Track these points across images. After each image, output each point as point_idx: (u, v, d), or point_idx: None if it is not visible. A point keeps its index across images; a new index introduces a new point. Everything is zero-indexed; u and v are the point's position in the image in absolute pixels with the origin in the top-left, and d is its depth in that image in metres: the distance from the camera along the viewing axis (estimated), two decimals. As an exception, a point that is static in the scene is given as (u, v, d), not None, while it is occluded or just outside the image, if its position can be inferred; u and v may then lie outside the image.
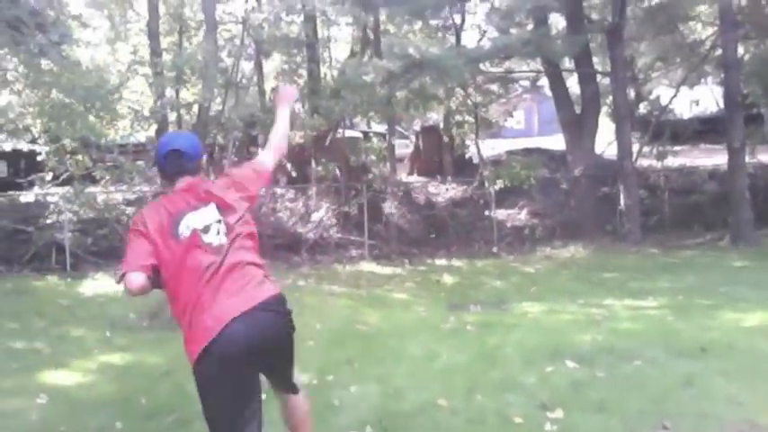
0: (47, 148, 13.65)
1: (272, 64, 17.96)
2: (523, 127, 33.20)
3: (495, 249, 13.28)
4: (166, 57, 14.94)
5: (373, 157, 16.39)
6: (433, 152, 18.14)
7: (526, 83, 20.54)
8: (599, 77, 16.07)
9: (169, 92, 14.37)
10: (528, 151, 18.40)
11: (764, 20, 15.06)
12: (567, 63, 17.05)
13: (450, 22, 16.94)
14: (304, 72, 16.81)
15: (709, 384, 5.09)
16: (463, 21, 17.08)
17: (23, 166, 14.72)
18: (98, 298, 9.45)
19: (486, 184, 14.53)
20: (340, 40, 20.73)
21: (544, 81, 18.80)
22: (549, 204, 14.59)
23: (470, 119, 17.91)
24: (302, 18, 15.85)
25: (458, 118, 18.41)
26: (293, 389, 3.23)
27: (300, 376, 3.34)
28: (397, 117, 16.84)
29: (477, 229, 14.22)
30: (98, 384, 5.58)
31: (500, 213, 14.50)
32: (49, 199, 13.10)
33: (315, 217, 13.79)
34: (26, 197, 13.60)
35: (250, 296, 2.78)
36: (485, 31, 18.37)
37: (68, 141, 12.76)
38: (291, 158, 15.46)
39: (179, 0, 16.58)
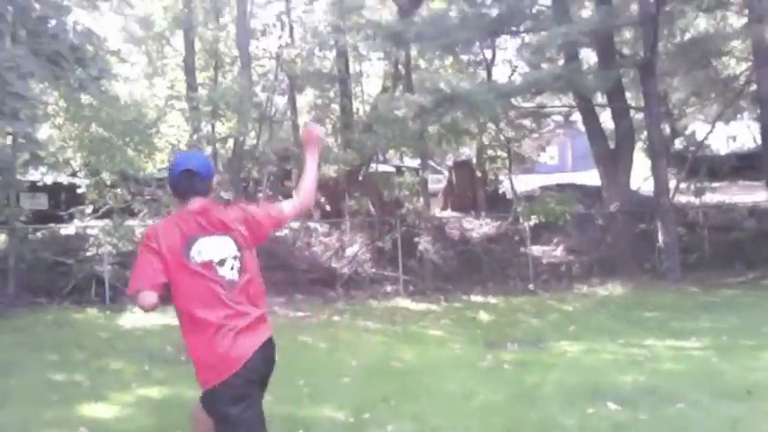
0: (87, 182, 13.93)
1: (305, 99, 18.19)
2: (557, 162, 33.00)
3: (531, 286, 13.11)
4: (202, 91, 15.25)
5: (406, 192, 16.39)
6: (467, 187, 18.09)
7: (559, 118, 20.45)
8: (633, 112, 15.93)
9: (205, 126, 14.64)
10: (562, 187, 18.23)
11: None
12: (600, 98, 16.97)
13: (481, 57, 17.02)
14: (336, 107, 16.97)
15: (754, 428, 4.95)
16: (494, 56, 17.15)
17: (64, 199, 15.00)
18: (136, 331, 9.50)
19: (521, 220, 14.42)
20: (372, 74, 20.93)
21: (577, 116, 18.71)
22: (586, 241, 14.40)
23: (503, 154, 17.86)
24: (334, 53, 16.05)
25: (490, 153, 18.37)
26: None
27: None
28: (429, 151, 16.88)
29: (512, 265, 14.06)
30: (136, 417, 5.58)
31: (535, 249, 14.35)
32: (89, 232, 13.27)
33: (349, 252, 13.78)
34: (66, 230, 13.79)
35: (262, 332, 3.08)
36: (516, 66, 18.41)
37: (108, 174, 12.98)
38: (325, 193, 15.54)
39: (214, 36, 16.90)
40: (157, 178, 13.65)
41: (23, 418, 5.63)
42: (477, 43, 15.87)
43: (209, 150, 15.80)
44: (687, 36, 16.64)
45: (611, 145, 15.87)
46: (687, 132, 18.27)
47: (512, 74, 18.39)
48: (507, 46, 18.42)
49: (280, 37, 16.25)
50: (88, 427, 5.34)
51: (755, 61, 13.73)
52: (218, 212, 3.11)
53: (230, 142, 15.48)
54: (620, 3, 15.90)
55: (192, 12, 15.90)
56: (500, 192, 18.38)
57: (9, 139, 11.89)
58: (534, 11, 14.79)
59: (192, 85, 15.44)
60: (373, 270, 13.43)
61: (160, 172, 14.54)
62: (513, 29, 15.30)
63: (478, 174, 18.11)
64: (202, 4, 17.83)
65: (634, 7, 15.46)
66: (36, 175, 14.09)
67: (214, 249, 3.01)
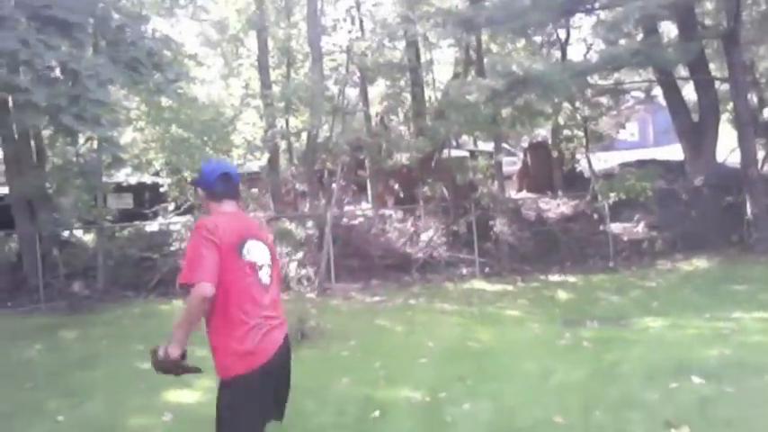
0: (168, 180, 14.50)
1: (377, 89, 18.24)
2: (638, 138, 32.06)
3: (611, 264, 12.80)
4: (276, 88, 15.52)
5: (480, 176, 16.26)
6: (542, 168, 17.79)
7: (639, 94, 19.82)
8: (717, 84, 15.32)
9: (279, 121, 14.94)
10: (642, 163, 17.68)
11: None
12: (682, 71, 16.36)
13: (555, 37, 16.65)
14: (408, 95, 16.98)
15: None
16: (568, 35, 16.74)
17: (148, 198, 15.63)
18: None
19: (599, 198, 14.09)
20: (443, 62, 20.79)
21: (658, 91, 18.09)
22: (669, 216, 13.90)
23: (580, 133, 17.47)
24: (404, 44, 16.06)
25: (566, 133, 18.00)
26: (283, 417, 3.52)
27: None
28: (503, 134, 16.66)
29: (591, 244, 13.73)
30: (217, 401, 5.79)
31: (615, 227, 13.97)
32: (172, 228, 13.81)
33: (424, 237, 13.79)
34: (151, 227, 14.41)
35: (282, 331, 3.31)
36: (591, 44, 17.92)
37: (188, 173, 13.46)
38: (398, 180, 15.63)
39: (286, 34, 17.18)
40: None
41: (113, 405, 5.95)
42: (551, 24, 15.55)
43: (283, 145, 16.17)
44: (772, 2, 15.78)
45: (695, 118, 15.32)
46: (776, 101, 17.38)
47: (587, 52, 17.93)
48: (582, 24, 17.96)
49: (350, 31, 16.36)
50: (173, 412, 5.60)
51: None
52: (253, 221, 3.47)
53: (304, 136, 15.74)
54: (701, -27, 15.27)
55: (264, 12, 16.19)
56: (577, 171, 17.98)
57: (94, 144, 12.49)
58: (609, -13, 14.36)
59: (265, 83, 15.74)
60: (448, 254, 13.40)
61: (239, 167, 14.96)
62: (588, 6, 14.87)
63: (554, 154, 17.77)
64: (274, 4, 18.15)
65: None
66: (121, 176, 14.80)
67: (257, 253, 3.25)
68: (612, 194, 13.58)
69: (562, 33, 16.47)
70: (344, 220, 14.43)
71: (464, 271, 13.05)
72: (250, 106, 16.08)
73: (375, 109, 17.48)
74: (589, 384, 5.67)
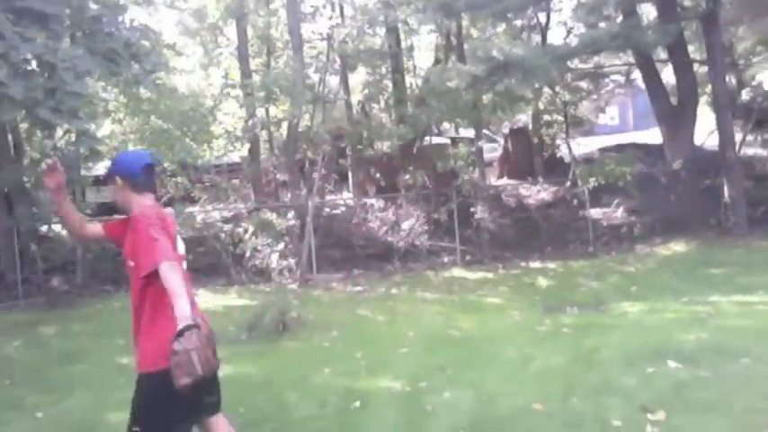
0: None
1: (358, 77, 18.19)
2: (618, 122, 32.12)
3: (590, 249, 12.91)
4: (256, 78, 15.42)
5: (461, 163, 16.29)
6: (523, 154, 17.85)
7: (618, 77, 19.88)
8: (696, 66, 15.38)
9: (259, 111, 14.86)
10: (621, 147, 17.78)
11: None
12: (661, 54, 16.40)
13: (535, 21, 16.65)
14: (389, 83, 16.94)
15: (822, 379, 4.79)
16: (548, 19, 16.76)
17: (127, 191, 15.47)
18: (200, 312, 9.80)
19: (579, 184, 14.17)
20: (423, 48, 20.75)
21: (637, 74, 18.15)
22: (648, 200, 14.02)
23: (560, 118, 17.53)
24: (385, 30, 15.99)
25: (547, 118, 18.05)
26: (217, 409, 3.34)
27: None
28: (484, 121, 16.68)
29: (571, 229, 13.85)
30: (199, 395, 5.78)
31: (595, 212, 14.08)
32: (152, 220, 13.68)
33: (405, 225, 13.83)
34: (130, 220, 14.28)
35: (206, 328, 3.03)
36: (571, 28, 17.93)
37: (168, 164, 13.36)
38: (380, 168, 15.61)
39: (266, 22, 17.05)
40: (215, 165, 13.95)
41: (93, 401, 5.90)
42: (531, 7, 15.54)
43: (264, 135, 16.08)
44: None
45: (674, 101, 15.38)
46: (754, 83, 17.50)
47: (567, 36, 17.94)
48: (562, 7, 17.99)
49: (330, 18, 16.30)
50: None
51: (826, 3, 13.00)
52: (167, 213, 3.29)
53: (284, 125, 15.67)
54: (679, -48, 15.28)
55: (243, 0, 16.06)
56: (557, 156, 18.06)
57: (72, 137, 12.36)
58: (589, -32, 14.37)
59: (245, 72, 15.64)
60: (430, 242, 13.46)
61: (218, 159, 14.88)
62: (568, -11, 14.92)
63: (535, 140, 17.82)
64: (253, -9, 18.02)
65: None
66: (100, 169, 14.64)
67: (181, 245, 3.21)
68: (592, 179, 13.67)
69: (542, 17, 16.49)
70: (326, 209, 14.43)
71: (445, 259, 13.11)
72: (230, 96, 15.96)
73: (356, 97, 17.44)
74: (568, 370, 5.71)
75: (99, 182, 14.95)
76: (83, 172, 13.24)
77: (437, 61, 17.39)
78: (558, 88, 16.64)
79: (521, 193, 15.57)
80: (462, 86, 13.55)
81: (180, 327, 2.60)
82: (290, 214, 13.55)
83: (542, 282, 10.71)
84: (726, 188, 13.27)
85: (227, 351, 7.21)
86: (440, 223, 13.77)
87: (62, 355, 7.76)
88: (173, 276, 2.76)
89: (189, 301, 2.74)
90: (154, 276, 2.84)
